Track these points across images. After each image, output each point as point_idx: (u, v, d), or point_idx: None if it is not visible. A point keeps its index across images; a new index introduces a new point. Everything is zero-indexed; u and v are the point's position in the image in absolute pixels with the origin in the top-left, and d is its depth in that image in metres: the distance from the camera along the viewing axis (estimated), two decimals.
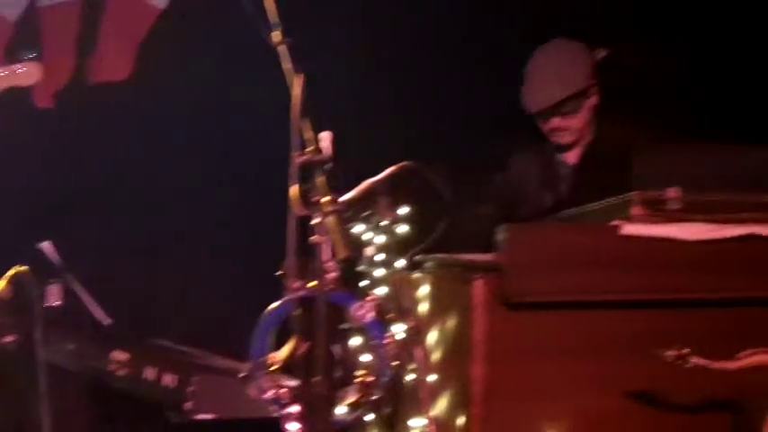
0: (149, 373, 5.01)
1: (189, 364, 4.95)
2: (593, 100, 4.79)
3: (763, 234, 3.67)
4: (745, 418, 3.63)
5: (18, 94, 6.07)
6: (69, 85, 6.11)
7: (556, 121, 4.77)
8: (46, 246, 5.23)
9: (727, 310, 3.66)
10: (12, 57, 6.07)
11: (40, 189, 5.63)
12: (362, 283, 3.89)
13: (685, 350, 3.33)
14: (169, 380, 4.93)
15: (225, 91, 5.35)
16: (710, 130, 5.69)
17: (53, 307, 5.20)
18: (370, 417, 3.89)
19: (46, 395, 5.07)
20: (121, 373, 5.09)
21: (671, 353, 3.34)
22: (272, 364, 3.66)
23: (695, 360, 3.34)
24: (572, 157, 4.88)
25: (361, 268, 3.92)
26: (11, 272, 5.02)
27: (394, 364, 3.76)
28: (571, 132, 4.81)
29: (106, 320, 5.25)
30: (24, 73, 4.53)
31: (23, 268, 5.04)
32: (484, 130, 5.65)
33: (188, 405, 4.82)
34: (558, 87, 4.73)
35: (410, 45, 5.72)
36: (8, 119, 5.93)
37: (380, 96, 5.54)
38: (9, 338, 5.18)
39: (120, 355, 5.11)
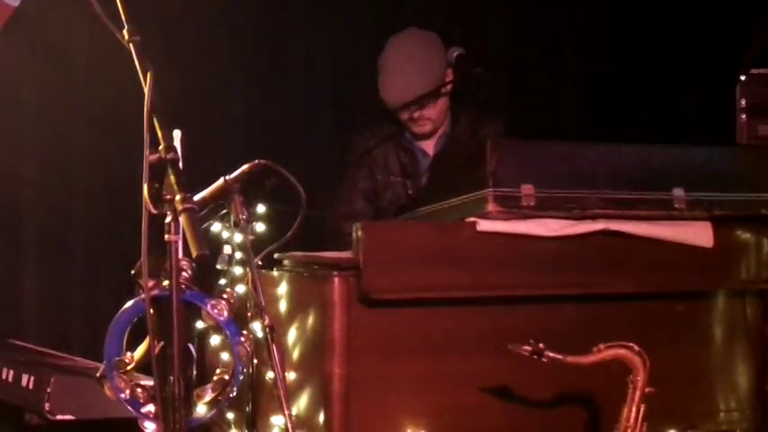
0: (7, 374, 4.88)
1: (47, 365, 4.84)
2: (448, 89, 4.80)
3: (617, 230, 3.70)
4: (599, 412, 3.67)
5: None
6: None
7: (417, 112, 4.76)
8: None
9: (582, 306, 3.70)
10: None
11: None
12: (220, 282, 3.85)
13: (541, 345, 3.35)
14: (27, 381, 4.81)
15: (79, 89, 5.25)
16: (566, 128, 5.78)
17: None
18: (230, 415, 3.87)
19: None
20: None
21: (527, 347, 3.36)
22: (126, 364, 3.58)
23: (550, 354, 3.36)
24: (430, 146, 4.88)
25: (218, 267, 3.88)
26: None
27: (252, 362, 3.73)
28: (432, 122, 4.82)
29: None
30: None
31: None
32: (340, 122, 5.66)
33: (47, 406, 4.70)
34: (420, 79, 4.73)
35: (247, 41, 5.72)
36: None
37: (228, 96, 5.50)
38: None
39: None
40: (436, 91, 4.75)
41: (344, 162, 5.00)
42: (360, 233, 3.48)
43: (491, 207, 3.58)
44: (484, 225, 3.59)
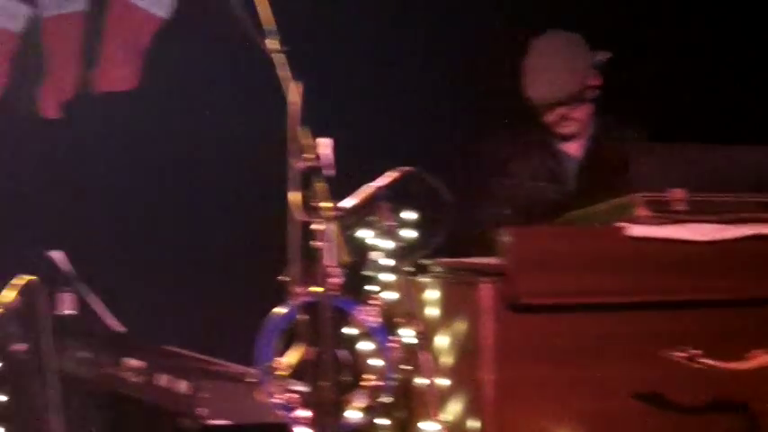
0: (162, 379, 4.98)
1: (200, 371, 4.92)
2: (594, 92, 4.78)
3: None
4: (751, 418, 3.59)
5: (25, 104, 6.13)
6: (76, 95, 6.13)
7: (561, 111, 4.75)
8: (56, 255, 5.21)
9: (734, 311, 3.63)
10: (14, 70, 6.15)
11: (49, 198, 5.60)
12: (368, 288, 3.88)
13: (695, 351, 3.29)
14: (181, 386, 4.90)
15: (226, 99, 5.33)
16: (706, 131, 5.67)
17: (64, 315, 5.18)
18: (382, 421, 3.89)
19: (59, 403, 5.07)
20: (134, 379, 5.06)
21: (681, 354, 3.31)
22: (278, 369, 3.65)
23: (705, 361, 3.30)
24: (574, 149, 4.86)
25: (366, 273, 3.91)
26: (19, 280, 5.03)
27: (402, 368, 3.75)
28: (576, 122, 4.80)
29: (119, 328, 5.22)
30: None
31: (32, 277, 5.04)
32: (481, 129, 5.64)
33: (200, 411, 4.78)
34: (565, 79, 4.72)
35: (405, 49, 5.69)
36: (16, 129, 5.98)
37: (378, 101, 5.52)
38: (20, 347, 5.17)
39: (132, 363, 5.08)
40: (581, 92, 4.74)
41: (491, 167, 4.99)
42: (508, 238, 3.47)
43: (641, 211, 3.56)
44: (635, 230, 3.56)
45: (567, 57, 4.80)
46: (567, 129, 4.84)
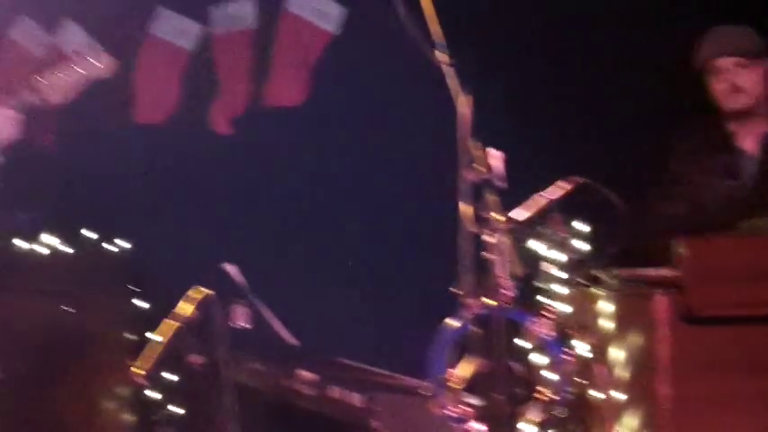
0: (335, 392, 5.05)
1: (373, 383, 4.99)
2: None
3: None
4: None
5: (197, 121, 6.26)
6: (246, 110, 6.24)
7: (732, 75, 4.66)
8: (231, 268, 5.30)
9: None
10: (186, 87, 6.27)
11: (223, 212, 5.70)
12: (541, 300, 3.88)
13: None
14: (355, 399, 4.97)
15: (396, 112, 5.36)
16: None
17: (239, 328, 5.27)
18: None
19: (234, 414, 5.17)
20: (308, 392, 5.15)
21: None
22: (452, 382, 3.68)
23: None
24: (750, 145, 4.75)
25: (538, 284, 3.91)
26: (197, 293, 5.14)
27: (576, 381, 3.74)
28: (746, 95, 4.69)
29: (292, 340, 5.29)
30: (99, 66, 4.64)
31: (208, 291, 5.15)
32: (652, 133, 5.54)
33: (374, 424, 4.84)
34: (737, 38, 4.69)
35: (572, 59, 5.62)
36: (189, 144, 6.11)
37: (545, 112, 5.48)
38: (197, 359, 5.29)
39: (306, 375, 5.16)
40: (755, 55, 4.66)
41: (668, 167, 4.93)
42: (683, 250, 3.42)
43: None
44: None
45: (740, 29, 4.74)
46: (736, 102, 4.73)
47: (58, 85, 4.57)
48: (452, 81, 3.39)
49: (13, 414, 5.10)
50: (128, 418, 5.57)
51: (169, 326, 5.16)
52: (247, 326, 5.23)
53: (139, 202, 5.73)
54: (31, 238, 5.63)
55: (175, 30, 6.31)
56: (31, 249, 5.61)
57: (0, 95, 4.59)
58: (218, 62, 6.28)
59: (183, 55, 6.31)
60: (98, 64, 4.62)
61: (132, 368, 5.32)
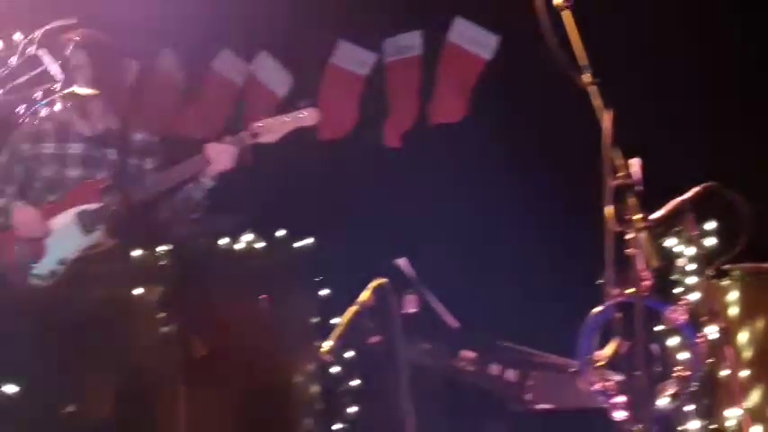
0: (493, 369, 5.07)
1: (527, 362, 5.00)
2: None
3: None
4: None
5: (371, 136, 6.32)
6: (414, 127, 6.28)
7: None
8: (402, 262, 5.36)
9: None
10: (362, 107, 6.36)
11: (395, 213, 5.77)
12: (675, 290, 3.87)
13: None
14: (511, 375, 4.98)
15: (545, 126, 5.33)
16: None
17: (410, 313, 5.32)
18: (689, 407, 3.87)
19: (407, 388, 5.22)
20: (469, 369, 5.17)
21: None
22: (598, 361, 3.68)
23: None
24: None
25: (673, 277, 3.90)
26: (374, 283, 5.22)
27: (707, 361, 3.72)
28: None
29: (455, 324, 5.32)
30: (306, 117, 4.71)
31: (383, 280, 5.22)
32: None
33: (528, 397, 4.86)
34: None
35: (707, 72, 5.49)
36: (365, 157, 6.18)
37: (679, 122, 5.37)
38: (374, 339, 5.35)
39: (468, 354, 5.19)
40: None
41: None
42: None
43: None
44: None
45: None
46: None
47: (272, 130, 4.72)
48: (596, 99, 3.35)
49: (215, 383, 5.24)
50: (315, 389, 5.73)
51: (351, 311, 5.26)
52: (416, 311, 5.30)
53: (324, 206, 5.82)
54: (234, 237, 5.80)
55: (353, 59, 6.41)
56: (233, 247, 5.79)
57: (225, 137, 4.78)
58: (390, 86, 6.36)
59: (360, 80, 6.41)
60: (305, 114, 4.76)
61: (319, 347, 5.45)
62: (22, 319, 4.72)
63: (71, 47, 2.22)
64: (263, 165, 5.34)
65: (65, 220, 4.78)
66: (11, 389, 4.91)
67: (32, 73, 2.36)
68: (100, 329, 4.67)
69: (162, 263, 5.14)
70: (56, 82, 2.35)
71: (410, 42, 6.26)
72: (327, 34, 6.38)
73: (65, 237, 4.76)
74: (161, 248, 5.15)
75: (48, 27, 2.32)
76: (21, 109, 2.37)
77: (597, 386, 3.69)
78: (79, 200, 4.78)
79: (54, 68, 2.33)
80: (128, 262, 4.92)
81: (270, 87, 6.61)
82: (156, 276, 5.08)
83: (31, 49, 2.35)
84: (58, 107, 2.35)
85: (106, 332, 4.68)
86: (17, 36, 2.35)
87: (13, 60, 2.36)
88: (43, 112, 2.33)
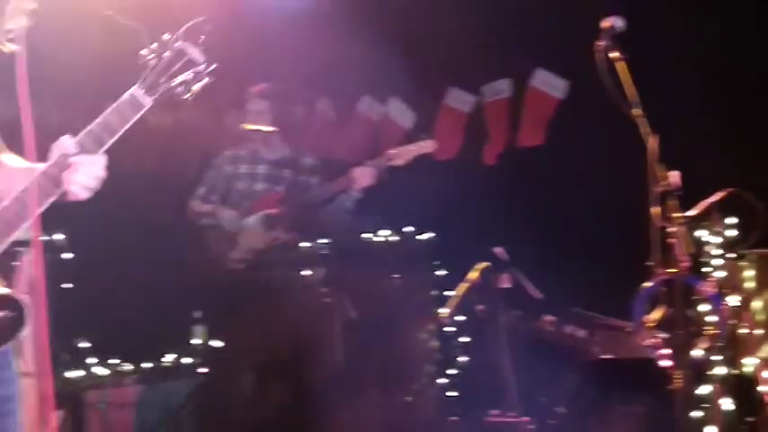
0: (568, 329, 5.02)
1: (594, 323, 4.94)
2: None
3: None
4: None
5: (473, 156, 6.31)
6: (505, 149, 6.25)
7: None
8: (499, 250, 5.38)
9: None
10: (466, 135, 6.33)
11: (494, 215, 5.64)
12: (705, 269, 3.84)
13: None
14: (581, 333, 4.93)
15: (605, 148, 5.22)
16: None
17: (505, 288, 5.32)
18: (716, 357, 3.83)
19: (505, 344, 5.23)
20: (550, 329, 5.14)
21: None
22: (648, 323, 3.67)
23: None
24: None
25: (703, 259, 3.87)
26: (479, 266, 5.26)
27: (730, 322, 3.69)
28: None
29: (539, 296, 5.29)
30: (427, 146, 4.83)
31: (486, 264, 5.25)
32: None
33: (594, 350, 4.81)
34: None
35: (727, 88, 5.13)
36: (467, 172, 6.12)
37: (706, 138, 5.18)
38: (479, 308, 5.38)
39: (549, 318, 5.16)
40: None
41: None
42: None
43: None
44: None
45: None
46: None
47: (401, 156, 4.79)
48: (644, 127, 3.34)
49: (362, 339, 5.24)
50: (434, 344, 5.77)
51: (462, 287, 5.28)
52: (510, 287, 5.29)
53: (441, 208, 5.70)
54: (374, 232, 5.86)
55: (460, 100, 6.39)
56: (373, 239, 5.85)
57: (367, 161, 4.84)
58: (488, 119, 6.31)
59: (465, 116, 6.39)
60: (426, 144, 4.83)
61: (438, 313, 5.49)
62: (226, 292, 4.88)
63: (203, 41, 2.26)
64: (396, 180, 5.30)
65: (254, 221, 4.92)
66: (218, 343, 5.09)
67: (180, 62, 2.42)
68: (279, 299, 4.81)
69: (323, 252, 5.16)
70: (199, 65, 2.42)
71: (502, 87, 6.23)
72: (441, 82, 6.38)
73: (253, 233, 4.90)
74: (322, 241, 5.15)
75: (189, 24, 2.36)
76: (180, 89, 2.39)
77: (648, 342, 3.68)
78: (263, 207, 4.91)
79: (196, 54, 2.37)
80: (298, 251, 5.04)
81: (399, 123, 6.63)
82: (319, 261, 5.12)
83: (179, 44, 2.36)
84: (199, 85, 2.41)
85: (283, 301, 4.81)
86: (165, 36, 2.44)
87: (166, 54, 2.43)
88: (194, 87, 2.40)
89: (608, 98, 3.28)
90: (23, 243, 3.40)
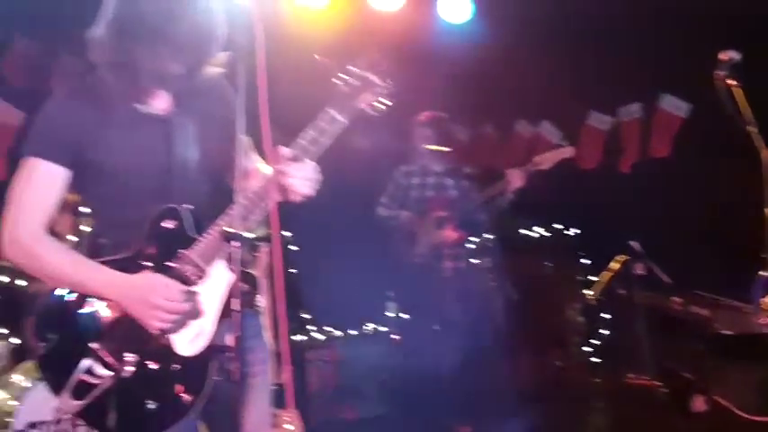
0: (694, 308, 4.90)
1: (716, 304, 4.80)
2: None
3: None
4: None
5: (612, 166, 6.14)
6: (639, 159, 6.14)
7: None
8: (634, 244, 5.36)
9: None
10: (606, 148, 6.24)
11: (628, 214, 5.45)
12: None
13: None
14: (706, 312, 4.81)
15: (723, 160, 4.89)
16: None
17: (640, 275, 5.28)
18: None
19: (642, 321, 5.18)
20: (678, 308, 5.05)
21: None
22: (763, 305, 3.59)
23: None
24: None
25: None
26: (619, 257, 5.22)
27: None
28: None
29: (668, 281, 5.22)
30: (566, 151, 4.70)
31: (625, 256, 5.22)
32: None
33: (717, 326, 4.64)
34: None
35: None
36: (605, 178, 6.01)
37: None
38: (620, 291, 5.30)
39: (677, 299, 5.07)
40: None
41: None
42: None
43: None
44: None
45: None
46: None
47: (546, 161, 4.79)
48: (758, 141, 3.29)
49: (523, 318, 5.15)
50: (581, 320, 5.78)
51: (605, 274, 5.26)
52: (645, 273, 5.25)
53: (587, 208, 5.58)
54: (529, 228, 5.92)
55: (600, 121, 6.29)
56: (529, 234, 5.90)
57: (519, 167, 4.85)
58: (624, 135, 6.24)
59: (603, 133, 6.32)
60: (565, 149, 4.82)
61: (584, 294, 5.50)
62: (412, 277, 4.97)
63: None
64: (549, 186, 5.13)
65: (428, 222, 4.99)
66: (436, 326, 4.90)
67: (364, 86, 2.36)
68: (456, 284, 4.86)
69: (489, 244, 5.13)
70: (380, 89, 2.39)
71: (634, 110, 6.16)
72: (584, 106, 6.34)
73: (429, 231, 4.98)
74: (488, 236, 5.13)
75: (370, 57, 2.34)
76: (365, 107, 2.34)
77: (763, 321, 3.60)
78: (435, 210, 5.00)
79: (377, 81, 2.34)
80: (467, 245, 5.07)
81: (548, 138, 6.63)
82: (488, 252, 5.10)
83: (362, 72, 2.34)
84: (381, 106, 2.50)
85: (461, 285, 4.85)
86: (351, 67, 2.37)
87: (352, 81, 2.35)
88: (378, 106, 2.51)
89: (726, 117, 3.25)
90: (261, 238, 3.68)
